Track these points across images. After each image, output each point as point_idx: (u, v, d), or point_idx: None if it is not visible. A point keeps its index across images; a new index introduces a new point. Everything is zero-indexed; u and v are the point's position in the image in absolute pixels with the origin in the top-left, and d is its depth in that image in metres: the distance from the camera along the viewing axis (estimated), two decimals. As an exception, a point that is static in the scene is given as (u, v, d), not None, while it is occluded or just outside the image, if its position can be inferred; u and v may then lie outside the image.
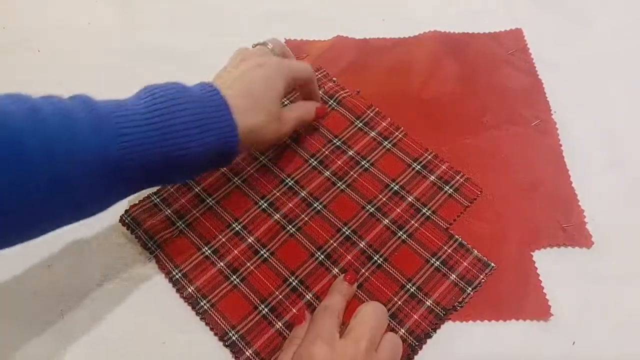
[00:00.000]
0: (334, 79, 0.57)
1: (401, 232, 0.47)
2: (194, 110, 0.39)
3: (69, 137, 0.34)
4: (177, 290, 0.45)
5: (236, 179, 0.51)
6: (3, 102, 0.33)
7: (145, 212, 0.48)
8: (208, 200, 0.49)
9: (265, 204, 0.49)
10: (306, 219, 0.48)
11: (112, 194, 0.39)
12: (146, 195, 0.49)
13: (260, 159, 0.52)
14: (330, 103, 0.55)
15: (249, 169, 0.51)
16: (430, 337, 0.43)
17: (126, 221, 0.48)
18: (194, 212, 0.49)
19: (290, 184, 0.50)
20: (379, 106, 0.55)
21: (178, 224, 0.48)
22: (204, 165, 0.42)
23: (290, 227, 0.48)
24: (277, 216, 0.48)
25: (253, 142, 0.44)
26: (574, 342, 0.43)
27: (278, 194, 0.49)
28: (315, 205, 0.49)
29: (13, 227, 0.34)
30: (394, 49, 0.61)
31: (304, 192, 0.49)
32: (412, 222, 0.48)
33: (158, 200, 0.49)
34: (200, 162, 0.41)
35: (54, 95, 0.36)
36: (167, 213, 0.48)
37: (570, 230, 0.48)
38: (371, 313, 0.40)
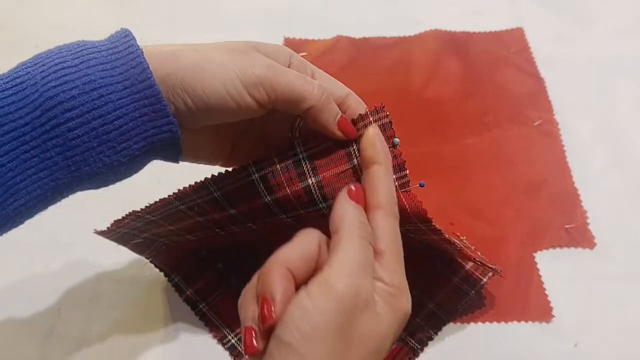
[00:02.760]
0: (396, 139, 0.32)
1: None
2: (72, 49, 0.29)
3: None
4: (176, 291, 0.45)
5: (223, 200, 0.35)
6: None
7: (117, 240, 0.40)
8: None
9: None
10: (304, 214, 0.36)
11: None
12: (108, 227, 0.38)
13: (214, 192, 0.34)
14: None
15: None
16: (431, 339, 0.42)
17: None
18: (174, 238, 0.40)
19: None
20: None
21: (161, 240, 0.40)
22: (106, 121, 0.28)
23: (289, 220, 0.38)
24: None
25: (189, 86, 0.28)
26: (575, 344, 0.43)
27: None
28: (320, 205, 0.34)
29: None
30: (395, 48, 0.61)
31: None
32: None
33: (125, 230, 0.38)
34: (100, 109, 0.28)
35: None
36: (144, 236, 0.39)
37: (573, 231, 0.48)
38: None
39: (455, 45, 0.61)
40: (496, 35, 0.62)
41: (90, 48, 0.29)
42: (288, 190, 0.32)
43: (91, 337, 0.43)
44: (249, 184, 0.33)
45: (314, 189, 0.32)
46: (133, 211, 0.36)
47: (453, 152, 0.53)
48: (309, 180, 0.32)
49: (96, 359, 0.42)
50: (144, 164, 0.31)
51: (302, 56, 0.64)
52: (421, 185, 0.32)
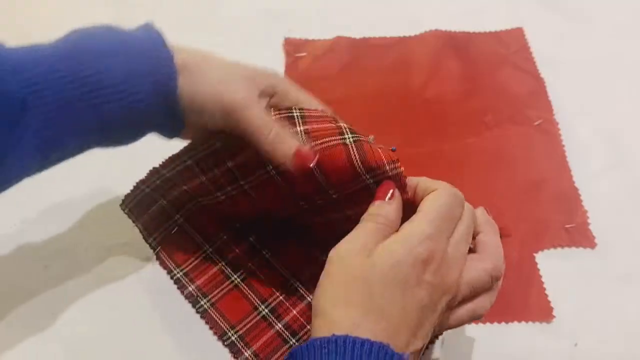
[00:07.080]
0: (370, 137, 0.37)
1: None
2: (116, 37, 0.35)
3: None
4: (178, 289, 0.45)
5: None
6: None
7: (139, 205, 0.45)
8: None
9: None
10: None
11: (17, 147, 0.32)
12: (135, 185, 0.44)
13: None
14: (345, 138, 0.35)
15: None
16: (433, 343, 0.42)
17: (125, 211, 0.45)
18: (190, 206, 0.45)
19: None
20: (379, 105, 0.55)
21: (176, 218, 0.46)
22: (136, 110, 0.34)
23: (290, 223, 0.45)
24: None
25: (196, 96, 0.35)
26: (576, 344, 0.43)
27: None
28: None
29: None
30: (395, 48, 0.61)
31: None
32: None
33: (149, 190, 0.44)
34: (129, 101, 0.34)
35: None
36: (162, 204, 0.45)
37: (573, 231, 0.48)
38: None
39: (455, 45, 0.61)
40: (496, 35, 0.62)
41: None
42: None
43: (91, 338, 0.43)
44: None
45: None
46: (154, 167, 0.42)
47: (453, 152, 0.53)
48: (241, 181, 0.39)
49: (97, 358, 0.43)
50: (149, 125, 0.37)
51: (302, 56, 0.64)
52: (392, 150, 0.35)
